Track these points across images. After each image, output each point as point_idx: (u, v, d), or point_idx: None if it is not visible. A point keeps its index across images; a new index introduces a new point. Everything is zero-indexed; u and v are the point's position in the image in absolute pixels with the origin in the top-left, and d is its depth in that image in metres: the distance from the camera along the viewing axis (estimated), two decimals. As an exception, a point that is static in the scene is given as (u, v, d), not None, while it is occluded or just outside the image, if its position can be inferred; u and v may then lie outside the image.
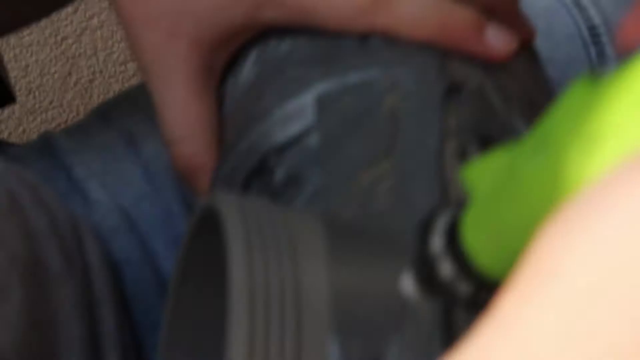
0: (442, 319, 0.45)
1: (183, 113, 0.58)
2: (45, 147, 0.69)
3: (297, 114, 0.54)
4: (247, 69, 0.58)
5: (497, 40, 0.53)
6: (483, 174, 0.42)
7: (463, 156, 0.50)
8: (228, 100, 0.59)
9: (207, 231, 0.51)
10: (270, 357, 0.44)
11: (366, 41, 0.55)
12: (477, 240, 0.42)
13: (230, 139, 0.58)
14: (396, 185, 0.50)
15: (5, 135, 1.22)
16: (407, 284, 0.45)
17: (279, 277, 0.45)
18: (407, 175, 0.50)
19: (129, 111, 0.70)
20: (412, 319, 0.46)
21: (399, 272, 0.46)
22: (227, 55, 0.58)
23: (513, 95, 0.54)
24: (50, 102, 1.25)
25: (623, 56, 0.39)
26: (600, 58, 0.70)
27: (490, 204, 0.41)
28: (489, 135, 0.52)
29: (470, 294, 0.43)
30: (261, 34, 0.57)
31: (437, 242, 0.43)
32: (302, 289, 0.45)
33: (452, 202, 0.49)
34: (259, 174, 0.54)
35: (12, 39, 1.22)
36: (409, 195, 0.49)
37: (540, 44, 0.59)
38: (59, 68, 1.24)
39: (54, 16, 1.21)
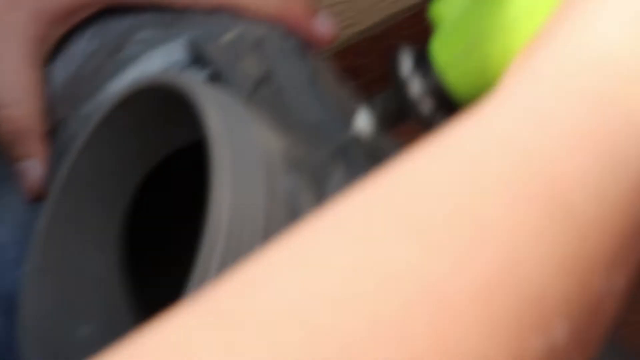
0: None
1: (14, 78, 0.59)
2: None
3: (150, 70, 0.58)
4: (83, 45, 0.60)
5: (323, 27, 0.62)
6: (450, 6, 0.51)
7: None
8: (57, 74, 0.60)
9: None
10: (254, 188, 0.46)
11: (214, 13, 0.61)
12: (445, 58, 0.50)
13: (63, 110, 0.60)
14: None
15: None
16: (363, 123, 0.51)
17: (249, 142, 0.48)
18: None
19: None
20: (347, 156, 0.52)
21: (320, 141, 0.52)
22: (64, 30, 0.60)
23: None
24: None
25: None
26: None
27: (458, 25, 0.50)
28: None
29: (432, 111, 0.50)
30: (97, 14, 0.61)
31: (406, 65, 0.50)
32: (265, 143, 0.49)
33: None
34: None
35: None
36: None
37: None
38: None
39: None
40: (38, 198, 0.59)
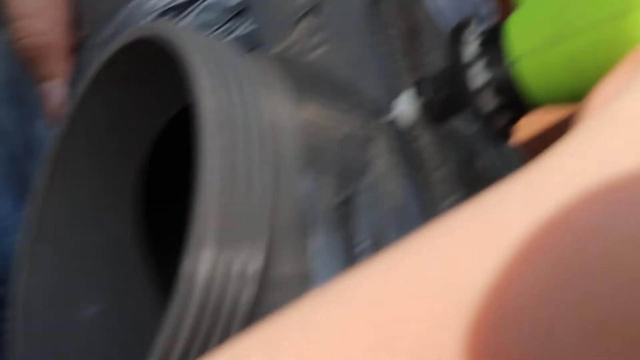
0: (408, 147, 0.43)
1: None
2: None
3: None
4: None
5: None
6: None
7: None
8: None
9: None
10: (247, 194, 0.38)
11: None
12: (521, 44, 0.39)
13: (86, 28, 0.53)
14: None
15: None
16: (404, 108, 0.42)
17: (246, 110, 0.40)
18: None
19: None
20: (379, 157, 0.42)
21: (359, 113, 0.43)
22: None
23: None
24: None
25: None
26: None
27: (547, 4, 0.39)
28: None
29: (494, 109, 0.40)
30: None
31: (470, 46, 0.40)
32: (276, 125, 0.40)
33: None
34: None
35: None
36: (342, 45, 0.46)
37: None
38: None
39: None
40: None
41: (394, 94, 0.44)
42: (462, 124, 0.46)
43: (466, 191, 0.42)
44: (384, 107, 0.44)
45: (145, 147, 0.48)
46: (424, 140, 0.43)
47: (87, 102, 0.46)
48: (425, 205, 0.41)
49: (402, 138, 0.43)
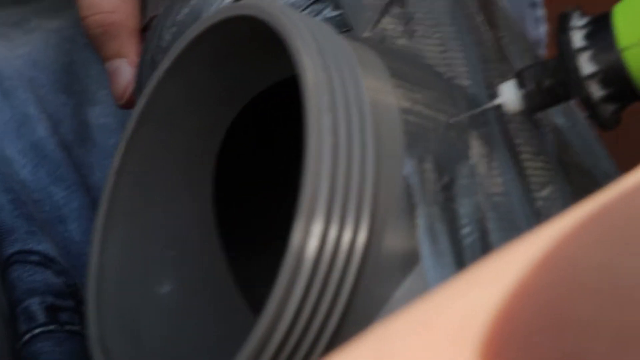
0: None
1: None
2: None
3: None
4: None
5: None
6: None
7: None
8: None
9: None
10: (352, 170, 0.37)
11: None
12: (631, 32, 0.39)
13: (156, 7, 0.52)
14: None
15: None
16: (508, 96, 0.41)
17: (346, 88, 0.39)
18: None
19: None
20: (475, 145, 0.42)
21: (451, 101, 0.43)
22: None
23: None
24: None
25: None
26: None
27: None
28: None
29: (602, 98, 0.40)
30: None
31: (578, 34, 0.40)
32: (377, 106, 0.40)
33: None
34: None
35: None
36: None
37: None
38: None
39: None
40: (127, 105, 0.52)
41: (484, 82, 0.44)
42: (551, 114, 0.46)
43: (561, 182, 0.42)
44: (476, 95, 0.43)
45: (222, 130, 0.47)
46: (519, 130, 0.43)
47: (167, 81, 0.46)
48: (522, 194, 0.41)
49: (498, 126, 0.42)
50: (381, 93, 0.41)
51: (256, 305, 0.48)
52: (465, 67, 0.45)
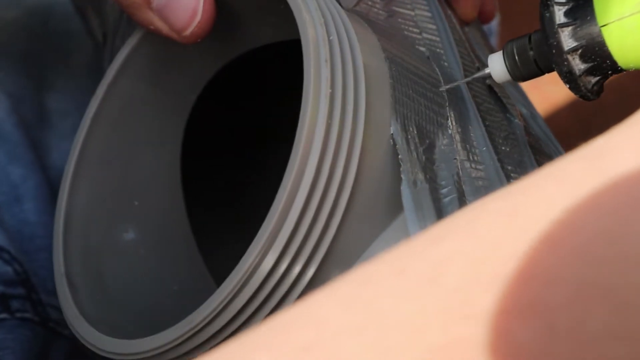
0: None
1: None
2: None
3: None
4: None
5: None
6: None
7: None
8: None
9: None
10: (345, 120, 0.39)
11: None
12: (612, 8, 0.40)
13: None
14: None
15: None
16: (497, 66, 0.43)
17: (343, 47, 0.41)
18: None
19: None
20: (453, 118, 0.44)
21: (437, 76, 0.44)
22: None
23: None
24: None
25: None
26: None
27: None
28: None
29: (582, 72, 0.41)
30: None
31: (559, 8, 0.41)
32: (369, 66, 0.41)
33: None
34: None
35: None
36: None
37: None
38: None
39: None
40: (192, 37, 0.47)
41: (459, 66, 0.46)
42: (517, 102, 0.48)
43: (530, 164, 0.44)
44: (453, 75, 0.45)
45: (198, 89, 0.48)
46: (490, 111, 0.45)
47: (150, 36, 0.46)
48: (496, 169, 0.42)
49: (472, 106, 0.44)
50: (372, 56, 0.42)
51: (216, 275, 0.48)
52: (441, 49, 0.47)
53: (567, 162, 0.26)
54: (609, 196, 0.25)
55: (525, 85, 0.52)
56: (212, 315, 0.38)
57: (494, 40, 0.70)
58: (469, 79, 0.44)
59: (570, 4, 0.41)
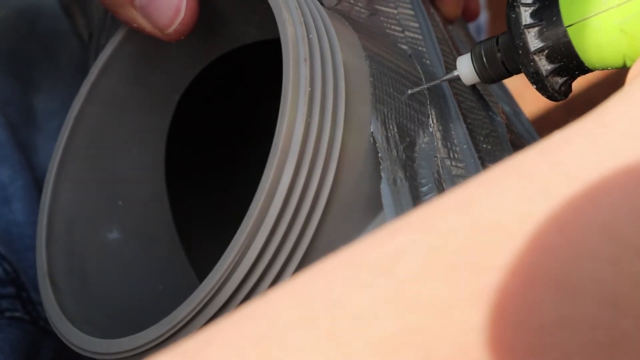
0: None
1: None
2: None
3: None
4: None
5: None
6: None
7: None
8: None
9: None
10: (325, 117, 0.39)
11: None
12: (577, 8, 0.40)
13: None
14: None
15: None
16: (465, 68, 0.43)
17: (323, 45, 0.41)
18: None
19: None
20: (432, 117, 0.44)
21: (418, 75, 0.44)
22: None
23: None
24: None
25: None
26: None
27: None
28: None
29: (548, 72, 0.42)
30: None
31: (526, 10, 0.41)
32: (349, 64, 0.41)
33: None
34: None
35: None
36: None
37: None
38: None
39: None
40: (174, 35, 0.48)
41: (441, 63, 0.46)
42: (499, 100, 0.48)
43: (510, 154, 0.44)
44: (435, 73, 0.45)
45: (181, 88, 0.48)
46: (472, 108, 0.45)
47: (134, 34, 0.46)
48: (476, 167, 0.42)
49: (453, 103, 0.44)
50: (352, 54, 0.42)
51: (200, 274, 0.48)
52: (423, 47, 0.47)
53: (523, 156, 0.27)
54: (561, 187, 0.26)
55: (518, 83, 0.52)
56: (192, 314, 0.38)
57: (483, 38, 0.70)
58: (437, 81, 0.44)
59: (536, 5, 0.41)
